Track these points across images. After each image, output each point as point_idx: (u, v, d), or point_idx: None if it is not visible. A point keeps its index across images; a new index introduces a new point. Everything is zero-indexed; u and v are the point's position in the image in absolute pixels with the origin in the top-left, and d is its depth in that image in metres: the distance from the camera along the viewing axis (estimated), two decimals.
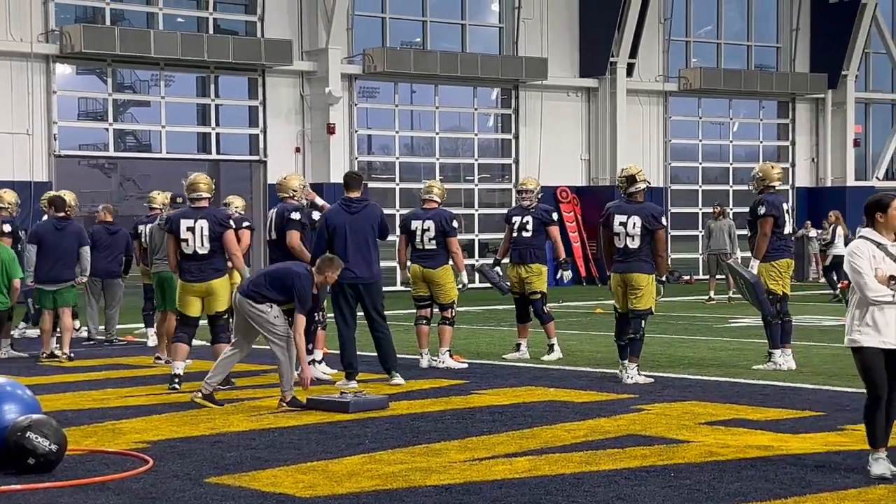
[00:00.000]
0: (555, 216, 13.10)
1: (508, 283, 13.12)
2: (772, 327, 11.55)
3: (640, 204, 10.91)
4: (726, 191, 31.73)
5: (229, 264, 10.91)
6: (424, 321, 12.20)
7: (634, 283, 10.77)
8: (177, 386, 10.58)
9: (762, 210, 11.47)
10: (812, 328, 16.06)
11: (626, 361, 10.80)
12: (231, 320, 10.83)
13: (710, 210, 24.05)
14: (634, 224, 10.74)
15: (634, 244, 10.73)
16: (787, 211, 11.68)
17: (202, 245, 10.66)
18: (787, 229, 11.63)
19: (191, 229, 10.67)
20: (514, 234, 12.92)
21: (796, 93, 31.90)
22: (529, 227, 12.83)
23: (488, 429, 8.41)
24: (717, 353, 13.14)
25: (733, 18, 32.26)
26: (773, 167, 11.90)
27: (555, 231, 13.00)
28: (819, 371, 11.36)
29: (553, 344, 12.89)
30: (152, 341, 14.45)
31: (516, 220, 12.96)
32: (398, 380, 10.72)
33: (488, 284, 13.81)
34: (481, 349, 13.84)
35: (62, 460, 7.09)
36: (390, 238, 11.88)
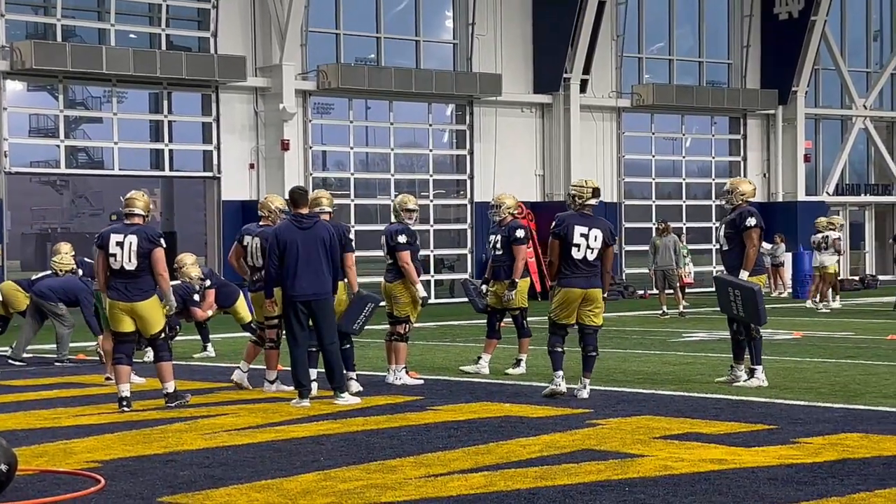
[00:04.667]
0: (519, 234, 12.63)
1: (486, 302, 13.01)
2: (756, 342, 11.55)
3: (595, 217, 10.94)
4: (679, 206, 31.98)
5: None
6: (390, 338, 12.13)
7: (594, 298, 10.77)
8: (126, 409, 10.44)
9: (752, 222, 11.42)
10: (764, 342, 16.14)
11: (582, 377, 10.80)
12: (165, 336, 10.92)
13: (656, 226, 24.26)
14: (596, 237, 10.71)
15: (593, 256, 10.72)
16: None
17: (129, 261, 10.49)
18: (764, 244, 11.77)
19: (120, 244, 10.51)
20: (492, 252, 12.98)
21: (747, 109, 32.24)
22: (499, 245, 12.85)
23: (444, 445, 8.39)
24: (671, 368, 13.20)
25: (685, 35, 32.57)
26: (749, 182, 12.01)
27: (517, 251, 12.65)
28: (771, 384, 11.44)
29: (521, 360, 12.84)
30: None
31: (491, 238, 13.01)
32: (343, 400, 10.57)
33: (462, 299, 13.68)
34: (437, 365, 13.83)
35: (12, 480, 7.00)
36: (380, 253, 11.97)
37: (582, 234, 10.68)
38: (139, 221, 10.68)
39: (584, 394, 10.71)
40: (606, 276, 10.93)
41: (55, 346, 15.14)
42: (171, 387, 10.70)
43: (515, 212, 13.04)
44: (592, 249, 10.70)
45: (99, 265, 10.75)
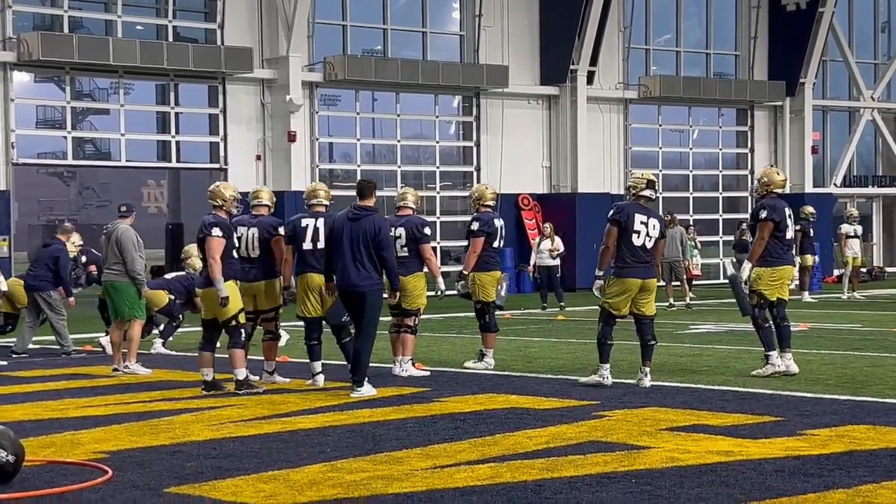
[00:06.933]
0: (473, 226, 12.61)
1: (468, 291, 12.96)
2: (763, 331, 11.56)
3: (651, 209, 11.09)
4: (686, 198, 31.93)
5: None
6: (396, 330, 12.13)
7: (651, 288, 10.95)
8: (204, 391, 10.91)
9: (763, 214, 11.48)
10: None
11: (643, 366, 10.92)
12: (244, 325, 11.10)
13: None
14: (654, 226, 10.92)
15: (650, 245, 10.89)
16: (790, 216, 11.63)
17: (198, 252, 11.16)
18: (789, 235, 11.62)
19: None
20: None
21: (755, 100, 32.17)
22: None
23: (450, 436, 8.40)
24: (677, 359, 13.19)
25: (692, 27, 32.51)
26: (777, 173, 11.97)
27: (471, 243, 12.66)
28: (778, 376, 11.43)
29: (485, 354, 12.70)
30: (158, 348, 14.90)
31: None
32: (358, 393, 10.56)
33: (452, 292, 13.62)
34: (443, 357, 13.83)
35: (20, 471, 7.02)
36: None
37: (642, 222, 10.85)
38: (222, 214, 11.07)
39: (647, 382, 10.82)
40: (657, 266, 11.13)
41: (55, 339, 15.14)
42: (241, 374, 10.87)
43: (490, 203, 12.95)
44: (651, 238, 10.88)
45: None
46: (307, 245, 11.29)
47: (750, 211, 11.92)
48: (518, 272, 28.02)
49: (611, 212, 10.96)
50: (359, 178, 27.26)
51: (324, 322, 11.45)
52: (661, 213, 28.95)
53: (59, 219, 48.10)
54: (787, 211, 11.64)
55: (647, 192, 11.04)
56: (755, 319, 11.64)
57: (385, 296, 12.01)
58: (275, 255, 11.48)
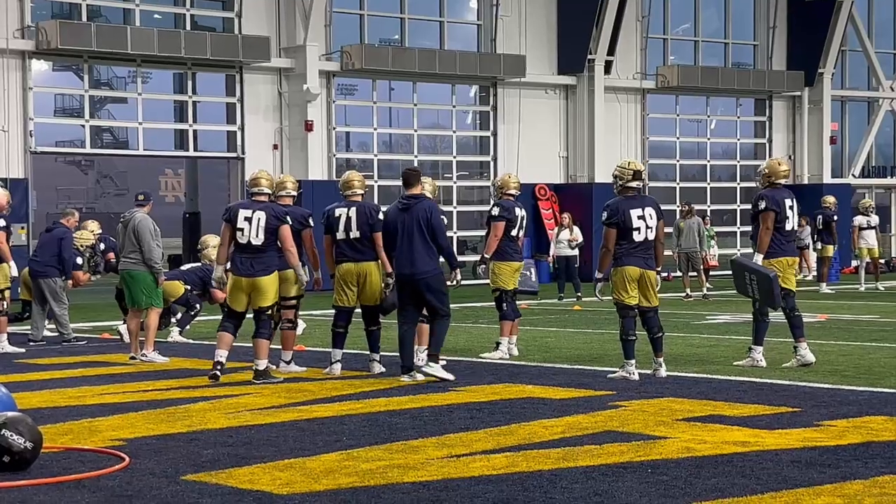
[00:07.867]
0: (493, 211, 12.72)
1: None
2: (759, 323, 11.56)
3: (642, 197, 10.88)
4: (704, 188, 31.86)
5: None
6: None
7: (651, 279, 10.78)
8: (217, 373, 10.85)
9: (762, 205, 11.43)
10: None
11: (657, 358, 10.85)
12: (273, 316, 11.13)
13: (680, 208, 24.26)
14: (651, 216, 10.71)
15: (652, 235, 10.73)
16: (791, 207, 11.56)
17: (256, 236, 10.81)
18: (789, 226, 11.56)
19: (248, 219, 10.84)
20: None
21: (773, 90, 32.05)
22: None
23: (466, 426, 8.40)
24: (694, 350, 13.18)
25: (711, 16, 32.40)
26: (780, 164, 11.90)
27: (492, 228, 12.66)
28: (796, 367, 11.40)
29: (500, 343, 12.74)
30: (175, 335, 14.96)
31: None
32: (430, 369, 10.71)
33: (468, 281, 13.64)
34: (459, 346, 13.84)
35: (38, 458, 7.06)
36: None
37: (639, 217, 10.66)
38: (265, 199, 11.02)
39: (662, 372, 10.79)
40: (662, 249, 10.90)
41: (55, 328, 15.18)
42: (262, 365, 10.90)
43: (513, 192, 12.86)
44: (651, 228, 10.72)
45: (224, 237, 11.06)
46: (340, 235, 11.35)
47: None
48: (536, 262, 28.00)
49: (604, 214, 10.71)
50: (376, 167, 27.39)
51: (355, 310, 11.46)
52: (678, 204, 29.13)
53: (76, 207, 48.33)
54: (788, 202, 11.55)
55: (634, 184, 10.77)
56: (757, 312, 11.58)
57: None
58: (304, 245, 11.53)
